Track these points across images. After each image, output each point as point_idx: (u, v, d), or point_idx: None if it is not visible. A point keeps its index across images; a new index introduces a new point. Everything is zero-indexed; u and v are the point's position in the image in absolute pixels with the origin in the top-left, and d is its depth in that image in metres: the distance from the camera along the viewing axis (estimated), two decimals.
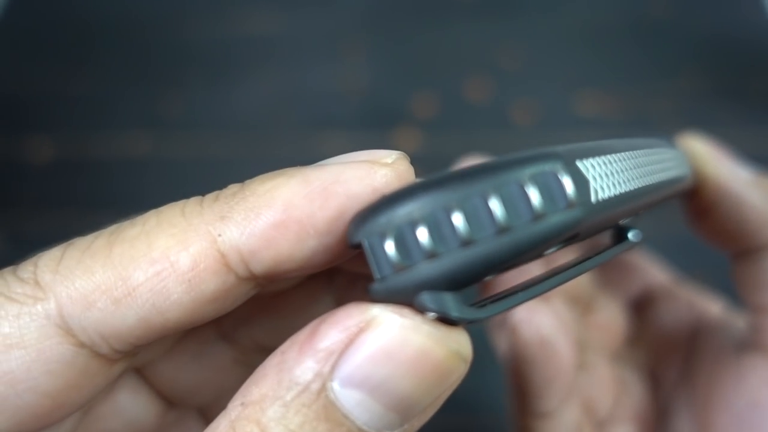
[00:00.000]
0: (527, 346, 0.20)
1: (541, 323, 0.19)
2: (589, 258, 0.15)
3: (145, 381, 0.16)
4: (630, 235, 0.16)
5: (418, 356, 0.11)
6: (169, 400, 0.17)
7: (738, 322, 0.23)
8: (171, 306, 0.12)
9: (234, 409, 0.11)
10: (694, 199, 0.21)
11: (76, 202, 0.58)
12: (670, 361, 0.24)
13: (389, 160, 0.13)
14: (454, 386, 0.12)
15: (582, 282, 0.24)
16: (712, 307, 0.24)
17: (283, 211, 0.13)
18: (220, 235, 0.13)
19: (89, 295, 0.12)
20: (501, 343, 0.22)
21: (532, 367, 0.20)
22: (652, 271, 0.26)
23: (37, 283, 0.13)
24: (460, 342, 0.12)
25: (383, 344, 0.11)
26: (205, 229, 0.13)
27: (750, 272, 0.20)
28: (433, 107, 0.60)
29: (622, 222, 0.16)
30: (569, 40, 0.64)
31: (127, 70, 0.65)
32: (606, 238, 0.17)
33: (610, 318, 0.25)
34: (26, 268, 0.14)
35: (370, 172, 0.13)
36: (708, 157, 0.20)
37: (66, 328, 0.12)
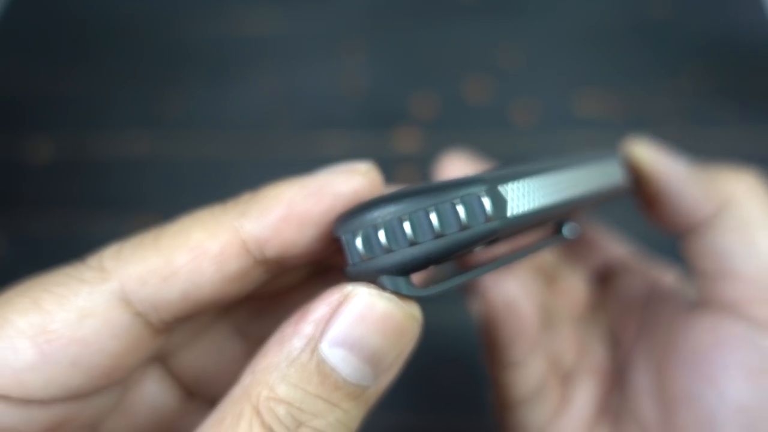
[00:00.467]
0: (494, 307, 0.24)
1: (506, 288, 0.23)
2: (524, 250, 0.20)
3: (169, 372, 0.20)
4: (564, 230, 0.21)
5: (383, 317, 0.15)
6: (189, 390, 0.20)
7: (689, 288, 0.26)
8: (205, 283, 0.17)
9: (245, 378, 0.15)
10: (641, 194, 0.24)
11: (75, 202, 0.58)
12: (628, 323, 0.27)
13: (363, 170, 0.18)
14: (411, 344, 0.16)
15: (546, 257, 0.28)
16: (666, 276, 0.28)
17: (287, 207, 0.17)
18: (241, 228, 0.17)
19: (144, 276, 0.17)
20: (475, 309, 0.26)
21: (499, 324, 0.23)
22: (612, 245, 0.30)
23: (102, 268, 0.17)
24: (413, 308, 0.16)
25: (357, 310, 0.15)
26: (229, 224, 0.17)
27: (693, 246, 0.24)
28: (433, 107, 0.60)
29: (555, 221, 0.20)
30: (569, 40, 0.64)
31: (126, 69, 0.65)
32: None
33: (573, 286, 0.29)
34: (93, 258, 0.18)
35: (350, 178, 0.18)
36: (646, 158, 0.23)
37: (126, 301, 0.17)
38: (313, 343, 0.15)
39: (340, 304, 0.15)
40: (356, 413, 0.15)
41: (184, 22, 0.67)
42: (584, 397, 0.25)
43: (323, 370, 0.14)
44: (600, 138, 0.61)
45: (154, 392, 0.19)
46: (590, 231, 0.30)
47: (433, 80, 0.62)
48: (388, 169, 0.59)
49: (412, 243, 0.15)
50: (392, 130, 0.59)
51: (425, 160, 0.53)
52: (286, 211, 0.17)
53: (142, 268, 0.17)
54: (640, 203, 0.25)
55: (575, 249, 0.30)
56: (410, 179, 0.54)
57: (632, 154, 0.24)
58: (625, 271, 0.29)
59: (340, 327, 0.15)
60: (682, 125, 0.57)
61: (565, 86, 0.60)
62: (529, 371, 0.24)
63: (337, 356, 0.15)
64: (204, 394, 0.20)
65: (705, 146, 0.56)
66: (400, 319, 0.15)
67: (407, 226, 0.15)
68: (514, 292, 0.24)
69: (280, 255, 0.17)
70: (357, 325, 0.15)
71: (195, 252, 0.17)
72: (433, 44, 0.64)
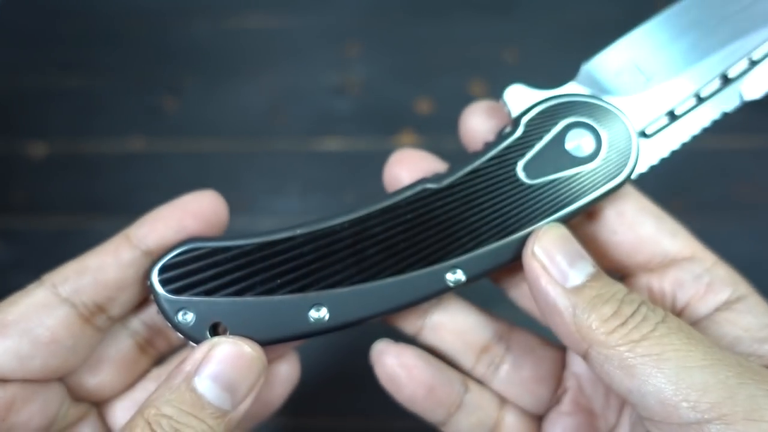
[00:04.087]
0: (383, 382, 0.27)
1: (386, 363, 0.26)
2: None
3: (102, 419, 0.27)
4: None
5: (238, 355, 0.22)
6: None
7: None
8: (109, 270, 0.25)
9: (139, 409, 0.21)
10: None
11: (69, 201, 0.57)
12: None
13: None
14: (259, 380, 0.23)
15: None
16: None
17: (154, 218, 0.28)
18: (129, 233, 0.26)
19: (65, 274, 0.25)
20: None
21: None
22: None
23: (40, 280, 0.24)
24: (258, 351, 0.23)
25: (219, 354, 0.22)
26: (123, 233, 0.26)
27: None
28: (433, 106, 0.60)
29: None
30: (571, 37, 0.63)
31: (123, 69, 0.64)
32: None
33: None
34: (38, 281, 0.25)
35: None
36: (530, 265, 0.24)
37: (56, 293, 0.24)
38: (189, 377, 0.22)
39: (209, 350, 0.22)
40: (219, 429, 0.21)
41: (182, 22, 0.67)
42: None
43: (194, 395, 0.21)
44: None
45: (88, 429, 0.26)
46: None
47: (434, 79, 0.62)
48: None
49: None
50: (392, 128, 0.59)
51: None
52: (153, 220, 0.25)
53: (64, 272, 0.24)
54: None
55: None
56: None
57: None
58: None
59: (206, 365, 0.22)
60: None
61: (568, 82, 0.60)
62: (461, 427, 0.28)
63: (205, 386, 0.22)
64: None
65: (706, 145, 0.56)
66: (246, 358, 0.22)
67: None
68: (394, 366, 0.26)
69: (155, 246, 0.25)
70: (217, 363, 0.22)
71: (98, 254, 0.24)
72: (434, 42, 0.64)
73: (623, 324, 0.21)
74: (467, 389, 0.28)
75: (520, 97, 0.25)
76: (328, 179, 0.57)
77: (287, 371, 0.28)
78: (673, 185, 0.54)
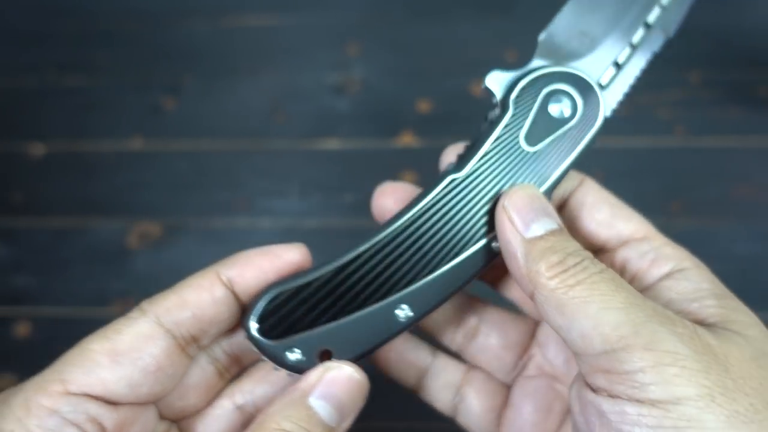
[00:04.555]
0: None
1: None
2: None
3: None
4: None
5: (348, 379, 0.26)
6: None
7: None
8: (205, 305, 0.27)
9: (259, 418, 0.24)
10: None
11: (68, 201, 0.57)
12: None
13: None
14: (363, 401, 0.26)
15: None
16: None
17: (245, 261, 0.29)
18: (220, 272, 0.28)
19: (167, 307, 0.27)
20: None
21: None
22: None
23: (142, 309, 0.27)
24: (362, 374, 0.26)
25: (332, 377, 0.26)
26: (214, 271, 0.28)
27: None
28: (433, 106, 0.60)
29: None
30: None
31: (121, 69, 0.64)
32: None
33: None
34: (134, 309, 0.27)
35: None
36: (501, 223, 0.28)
37: (159, 324, 0.26)
38: (305, 396, 0.25)
39: (323, 373, 0.26)
40: None
41: (181, 22, 0.67)
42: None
43: (310, 412, 0.24)
44: (602, 132, 0.61)
45: None
46: None
47: (434, 78, 0.62)
48: (389, 166, 0.59)
49: None
50: (392, 128, 0.59)
51: (426, 158, 0.53)
52: (244, 264, 0.28)
53: (165, 303, 0.27)
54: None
55: None
56: (410, 177, 0.54)
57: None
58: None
59: (323, 387, 0.25)
60: (686, 123, 0.57)
61: None
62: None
63: (318, 404, 0.25)
64: None
65: (706, 145, 0.56)
66: (358, 384, 0.26)
67: None
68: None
69: (241, 290, 0.28)
70: (332, 386, 0.25)
71: (195, 289, 0.27)
72: (434, 43, 0.64)
73: (564, 271, 0.24)
74: (435, 356, 0.33)
75: (499, 81, 0.30)
76: (327, 179, 0.57)
77: None
78: (673, 185, 0.54)
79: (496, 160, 0.28)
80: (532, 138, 0.28)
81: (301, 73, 0.63)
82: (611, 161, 0.56)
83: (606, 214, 0.29)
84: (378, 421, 0.47)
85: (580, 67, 0.30)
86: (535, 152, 0.28)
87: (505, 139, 0.28)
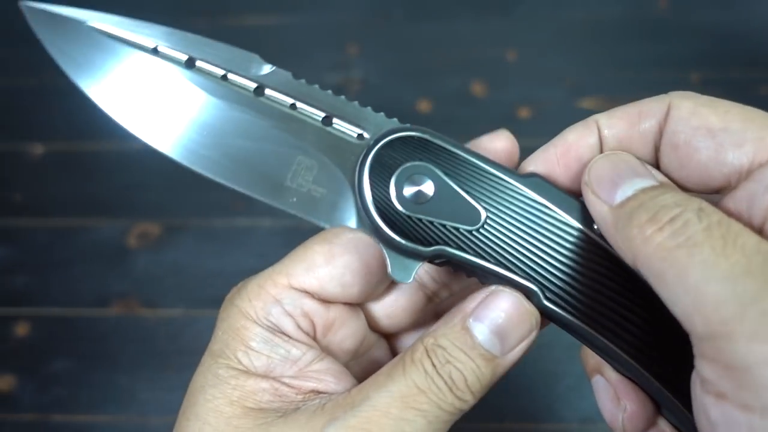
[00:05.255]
0: None
1: None
2: None
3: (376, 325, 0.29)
4: None
5: (509, 306, 0.24)
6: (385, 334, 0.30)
7: None
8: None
9: (421, 337, 0.24)
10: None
11: (67, 201, 0.57)
12: None
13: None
14: (530, 334, 0.24)
15: None
16: None
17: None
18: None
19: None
20: None
21: None
22: None
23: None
24: (532, 308, 0.24)
25: (494, 301, 0.24)
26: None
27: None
28: (433, 106, 0.60)
29: None
30: (573, 36, 0.63)
31: None
32: None
33: None
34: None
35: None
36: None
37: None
38: (464, 318, 0.23)
39: (485, 297, 0.24)
40: (486, 371, 0.23)
41: (181, 21, 0.67)
42: None
43: (467, 334, 0.23)
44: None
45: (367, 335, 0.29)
46: None
47: (434, 78, 0.62)
48: None
49: None
50: None
51: None
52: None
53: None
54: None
55: None
56: None
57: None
58: None
59: (482, 310, 0.24)
60: None
61: (569, 82, 0.60)
62: None
63: (476, 327, 0.23)
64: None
65: None
66: (520, 311, 0.24)
67: None
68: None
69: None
70: (492, 310, 0.24)
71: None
72: (434, 43, 0.64)
73: (660, 229, 0.20)
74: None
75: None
76: None
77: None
78: None
79: None
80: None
81: (301, 73, 0.63)
82: None
83: (710, 145, 0.23)
84: None
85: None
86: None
87: None
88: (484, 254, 0.24)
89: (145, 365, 0.51)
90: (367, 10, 0.66)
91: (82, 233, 0.56)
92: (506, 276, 0.24)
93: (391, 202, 0.25)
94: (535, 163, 0.26)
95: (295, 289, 0.26)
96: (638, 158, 0.24)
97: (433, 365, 0.23)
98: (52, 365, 0.52)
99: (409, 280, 0.25)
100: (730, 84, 0.59)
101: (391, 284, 0.28)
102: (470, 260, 0.24)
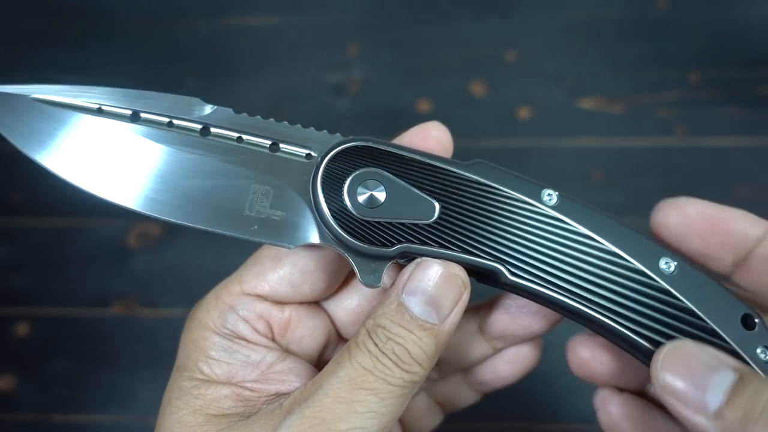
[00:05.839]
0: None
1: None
2: None
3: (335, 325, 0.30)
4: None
5: (437, 272, 0.25)
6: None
7: None
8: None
9: (364, 322, 0.25)
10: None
11: (68, 201, 0.57)
12: None
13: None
14: (461, 297, 0.25)
15: None
16: None
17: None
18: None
19: None
20: None
21: None
22: None
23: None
24: (458, 269, 0.25)
25: (420, 271, 0.25)
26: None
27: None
28: (433, 106, 0.60)
29: None
30: (573, 36, 0.63)
31: (122, 68, 0.64)
32: None
33: None
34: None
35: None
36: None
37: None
38: (398, 293, 0.24)
39: (413, 270, 0.25)
40: (428, 341, 0.24)
41: (181, 21, 0.67)
42: None
43: (401, 308, 0.24)
44: (602, 132, 0.61)
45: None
46: None
47: (434, 78, 0.62)
48: None
49: None
50: (392, 128, 0.59)
51: None
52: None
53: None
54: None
55: None
56: None
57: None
58: None
59: (411, 282, 0.24)
60: (686, 121, 0.57)
61: (568, 82, 0.60)
62: None
63: (410, 301, 0.24)
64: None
65: (706, 145, 0.56)
66: (446, 276, 0.24)
67: None
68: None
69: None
70: (420, 281, 0.24)
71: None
72: (434, 43, 0.64)
73: None
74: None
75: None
76: None
77: (527, 351, 0.31)
78: (673, 185, 0.54)
79: None
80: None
81: (301, 73, 0.63)
82: (611, 161, 0.56)
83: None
84: None
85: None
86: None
87: None
88: (446, 243, 0.25)
89: (145, 365, 0.51)
90: (367, 10, 0.66)
91: (82, 233, 0.56)
92: (471, 261, 0.25)
93: (349, 211, 0.25)
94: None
95: (248, 294, 0.27)
96: (700, 344, 0.23)
97: (376, 344, 0.24)
98: (52, 365, 0.52)
99: (379, 284, 0.25)
100: (729, 84, 0.59)
101: (353, 290, 0.29)
102: (435, 252, 0.25)
